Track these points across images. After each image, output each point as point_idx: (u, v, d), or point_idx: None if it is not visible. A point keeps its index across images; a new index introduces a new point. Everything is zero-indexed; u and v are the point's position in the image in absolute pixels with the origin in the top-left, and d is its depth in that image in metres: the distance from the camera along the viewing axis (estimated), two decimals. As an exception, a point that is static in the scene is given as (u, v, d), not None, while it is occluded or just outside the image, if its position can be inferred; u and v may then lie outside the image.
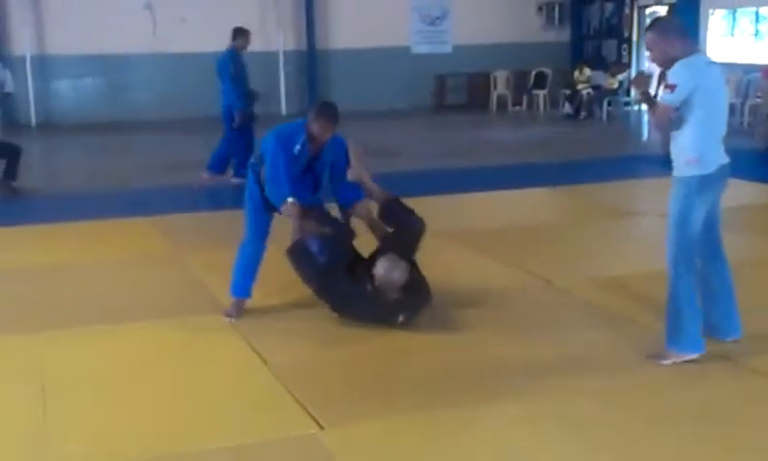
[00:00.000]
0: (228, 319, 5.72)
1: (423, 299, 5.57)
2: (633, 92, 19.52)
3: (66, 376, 4.92)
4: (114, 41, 18.51)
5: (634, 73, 19.61)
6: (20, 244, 8.09)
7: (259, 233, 5.79)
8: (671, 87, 4.60)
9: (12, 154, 10.81)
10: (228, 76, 10.95)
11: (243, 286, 5.81)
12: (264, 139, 5.80)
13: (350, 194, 5.85)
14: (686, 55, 4.66)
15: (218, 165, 11.12)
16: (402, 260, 5.51)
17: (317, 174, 5.79)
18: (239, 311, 5.79)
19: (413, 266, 5.64)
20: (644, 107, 4.88)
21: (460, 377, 4.78)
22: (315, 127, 5.55)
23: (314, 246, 5.49)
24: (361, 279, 5.56)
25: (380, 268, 5.46)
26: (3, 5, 18.39)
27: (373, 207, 5.87)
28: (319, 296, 5.66)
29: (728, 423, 4.18)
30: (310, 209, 5.62)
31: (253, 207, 5.77)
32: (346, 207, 5.91)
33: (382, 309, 5.45)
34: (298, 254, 5.59)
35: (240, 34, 11.18)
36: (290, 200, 5.48)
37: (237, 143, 10.93)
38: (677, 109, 4.63)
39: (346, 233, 5.78)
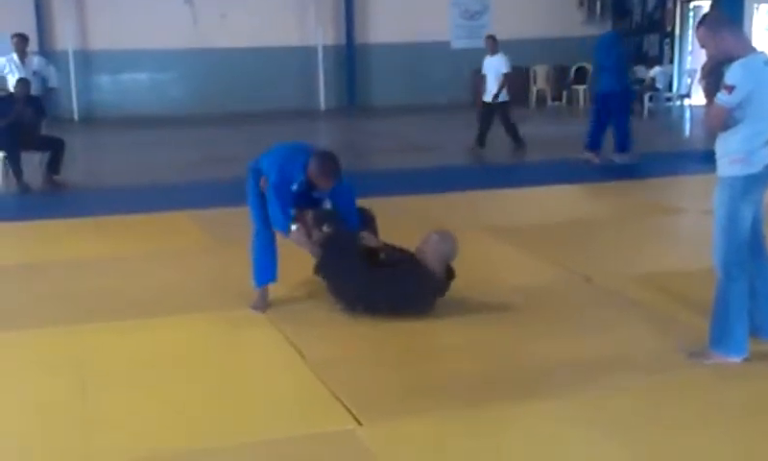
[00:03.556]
0: (255, 312, 5.75)
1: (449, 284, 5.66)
2: (675, 87, 19.34)
3: (106, 368, 4.96)
4: (155, 37, 18.69)
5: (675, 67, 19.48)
6: (60, 237, 8.17)
7: (264, 220, 5.79)
8: (728, 89, 4.45)
9: (56, 147, 10.93)
10: (613, 57, 11.46)
11: (263, 272, 5.83)
12: (267, 155, 5.81)
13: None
14: (744, 53, 4.53)
15: (597, 143, 11.83)
16: (451, 236, 5.66)
17: (316, 200, 5.82)
18: (265, 301, 5.82)
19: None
20: (704, 99, 4.77)
21: (501, 375, 4.74)
22: (315, 178, 5.57)
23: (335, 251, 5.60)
24: (402, 268, 5.61)
25: (435, 236, 5.60)
26: (46, 1, 18.61)
27: None
28: (355, 295, 5.64)
29: (771, 424, 4.12)
30: (309, 216, 5.72)
31: (254, 200, 5.82)
32: None
33: (424, 293, 5.50)
34: (324, 268, 5.68)
35: (624, 16, 11.88)
36: (293, 228, 5.60)
37: (618, 121, 11.72)
38: (731, 111, 4.52)
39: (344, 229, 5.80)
